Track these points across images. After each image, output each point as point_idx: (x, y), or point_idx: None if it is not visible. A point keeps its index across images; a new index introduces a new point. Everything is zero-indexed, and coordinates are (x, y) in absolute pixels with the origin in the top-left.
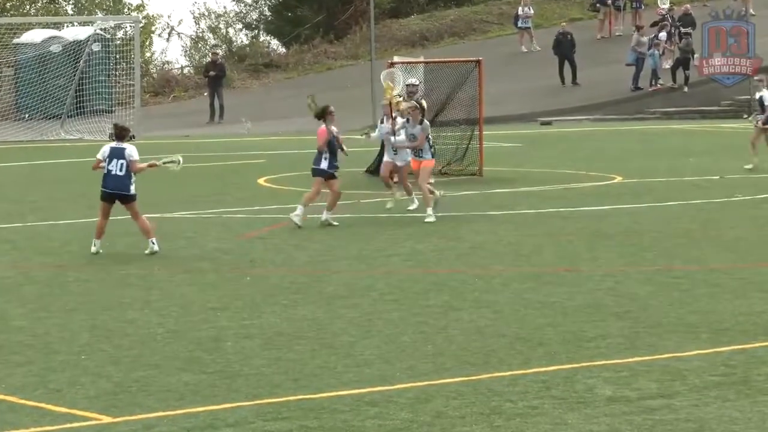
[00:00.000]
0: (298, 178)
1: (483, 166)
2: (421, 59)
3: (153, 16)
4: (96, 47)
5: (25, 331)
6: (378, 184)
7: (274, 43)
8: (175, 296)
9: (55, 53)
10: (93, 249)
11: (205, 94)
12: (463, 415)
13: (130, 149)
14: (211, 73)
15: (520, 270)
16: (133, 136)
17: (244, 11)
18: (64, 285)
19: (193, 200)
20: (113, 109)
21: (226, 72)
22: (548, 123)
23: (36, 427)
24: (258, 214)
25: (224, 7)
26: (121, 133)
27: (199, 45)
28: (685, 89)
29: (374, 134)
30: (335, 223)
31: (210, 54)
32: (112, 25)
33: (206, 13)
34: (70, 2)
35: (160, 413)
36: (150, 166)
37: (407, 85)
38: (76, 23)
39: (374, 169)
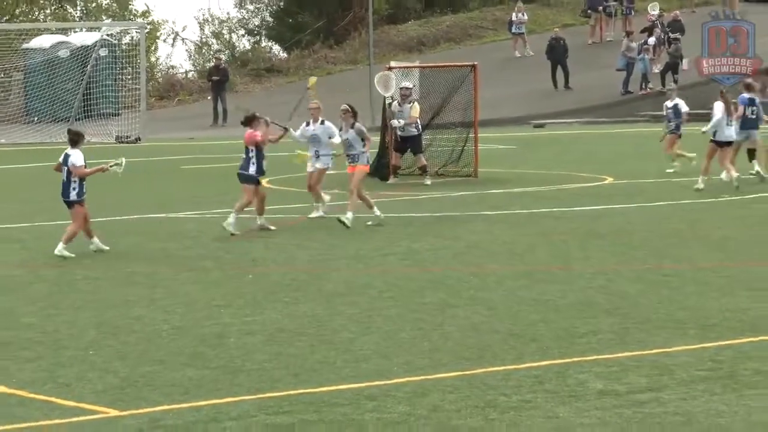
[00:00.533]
0: (296, 179)
1: (478, 167)
2: (417, 64)
3: (158, 22)
4: (103, 52)
5: (34, 328)
6: (378, 184)
7: (276, 49)
8: (179, 294)
9: (63, 58)
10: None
11: (209, 97)
12: (459, 409)
13: (74, 156)
14: (215, 77)
15: (514, 268)
16: (139, 139)
17: (247, 17)
18: (72, 283)
19: (197, 201)
20: (120, 112)
21: (229, 76)
22: (541, 126)
23: (45, 420)
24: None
25: (227, 14)
26: (73, 139)
27: (203, 50)
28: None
29: (296, 133)
30: (272, 227)
31: (213, 59)
32: (119, 31)
33: (210, 19)
34: (78, 8)
35: (166, 407)
36: (98, 170)
37: (401, 88)
38: (83, 29)
39: (373, 171)
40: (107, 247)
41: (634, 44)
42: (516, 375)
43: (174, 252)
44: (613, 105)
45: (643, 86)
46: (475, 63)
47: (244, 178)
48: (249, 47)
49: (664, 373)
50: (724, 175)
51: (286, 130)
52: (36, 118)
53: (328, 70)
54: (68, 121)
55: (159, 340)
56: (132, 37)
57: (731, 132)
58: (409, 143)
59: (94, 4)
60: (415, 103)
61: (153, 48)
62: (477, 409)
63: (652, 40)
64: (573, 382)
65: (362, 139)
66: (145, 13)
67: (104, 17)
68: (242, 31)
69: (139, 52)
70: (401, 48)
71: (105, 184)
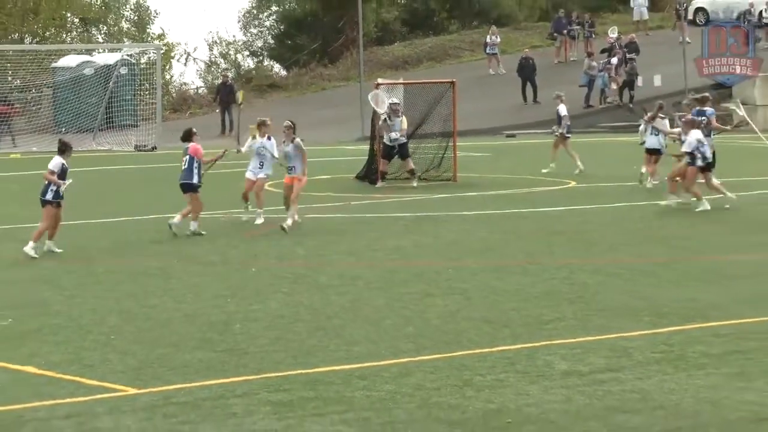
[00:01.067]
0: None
1: (457, 172)
2: (402, 81)
3: (172, 43)
4: (123, 70)
5: (62, 315)
6: (368, 188)
7: (277, 67)
8: (190, 285)
9: (88, 75)
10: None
11: (217, 110)
12: (439, 387)
13: (52, 162)
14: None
15: (488, 262)
16: (155, 147)
17: (251, 40)
18: (96, 276)
19: (206, 203)
20: (138, 123)
21: (235, 92)
22: (513, 135)
23: (71, 398)
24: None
25: (234, 36)
26: (60, 147)
27: (212, 68)
28: (631, 106)
29: (243, 148)
30: (203, 232)
31: (221, 76)
32: (138, 52)
33: (218, 41)
34: (102, 32)
35: (178, 386)
36: (56, 182)
37: (391, 104)
38: (106, 50)
39: (363, 176)
40: (60, 250)
41: (594, 63)
42: (490, 357)
43: (185, 248)
44: (575, 117)
45: (603, 101)
46: (454, 80)
47: (190, 187)
48: (253, 66)
49: (622, 355)
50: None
51: (222, 154)
52: (64, 129)
53: (323, 86)
54: (92, 131)
55: (172, 326)
56: (149, 57)
57: (653, 141)
58: (398, 150)
59: (116, 28)
60: (404, 117)
61: (168, 67)
62: (455, 387)
63: (614, 60)
64: (541, 363)
65: (300, 153)
66: (161, 36)
67: (125, 39)
68: (247, 52)
69: (155, 71)
70: (388, 66)
71: (125, 189)
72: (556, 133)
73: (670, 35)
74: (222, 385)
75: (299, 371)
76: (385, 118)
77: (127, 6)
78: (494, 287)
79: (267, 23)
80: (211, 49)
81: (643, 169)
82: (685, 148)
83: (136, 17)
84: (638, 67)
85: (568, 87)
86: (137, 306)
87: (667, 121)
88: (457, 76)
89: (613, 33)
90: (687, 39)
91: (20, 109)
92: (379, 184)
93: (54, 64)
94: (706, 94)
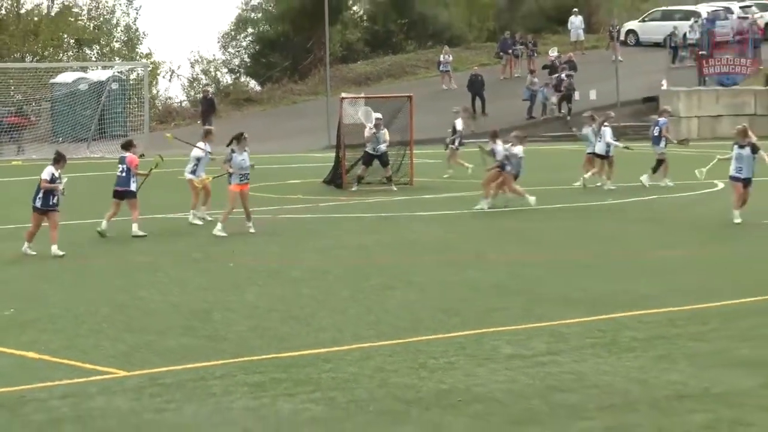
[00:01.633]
0: (271, 187)
1: (414, 177)
2: (364, 95)
3: (158, 62)
4: (114, 86)
5: (59, 306)
6: (336, 191)
7: (252, 83)
8: (175, 279)
9: (82, 90)
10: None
11: (199, 122)
12: (397, 369)
13: (44, 171)
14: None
15: (443, 258)
16: (143, 155)
17: (229, 58)
18: (90, 271)
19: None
20: (127, 133)
21: (215, 105)
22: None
23: (68, 380)
24: (240, 215)
25: (213, 55)
26: (55, 158)
27: (194, 84)
28: (568, 118)
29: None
30: (143, 233)
31: (202, 91)
32: (127, 69)
33: (200, 60)
34: (95, 51)
35: (164, 368)
36: (53, 188)
37: (375, 119)
38: (99, 67)
39: (330, 180)
40: (34, 253)
41: (536, 79)
42: (443, 342)
43: (171, 246)
44: (519, 128)
45: (543, 113)
46: (411, 94)
47: (128, 194)
48: (231, 82)
49: (560, 341)
50: (587, 175)
51: (149, 173)
52: (60, 139)
53: (293, 100)
54: (86, 140)
55: (158, 315)
56: (138, 74)
57: (600, 146)
58: (380, 158)
59: (107, 48)
60: (386, 129)
61: (154, 82)
62: (411, 369)
63: (562, 76)
64: (488, 348)
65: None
66: (148, 55)
67: (116, 58)
68: (225, 69)
69: (143, 86)
70: (352, 82)
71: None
72: (452, 146)
73: (604, 54)
74: (203, 368)
75: (273, 355)
76: (374, 131)
77: (118, 28)
78: (448, 281)
79: (244, 43)
80: (193, 67)
81: (587, 174)
82: (498, 158)
83: (125, 38)
84: (575, 83)
85: (512, 101)
86: (127, 297)
87: (610, 129)
88: (414, 90)
89: (553, 52)
90: (619, 58)
91: (36, 121)
92: (354, 188)
93: (52, 80)
94: (610, 112)
